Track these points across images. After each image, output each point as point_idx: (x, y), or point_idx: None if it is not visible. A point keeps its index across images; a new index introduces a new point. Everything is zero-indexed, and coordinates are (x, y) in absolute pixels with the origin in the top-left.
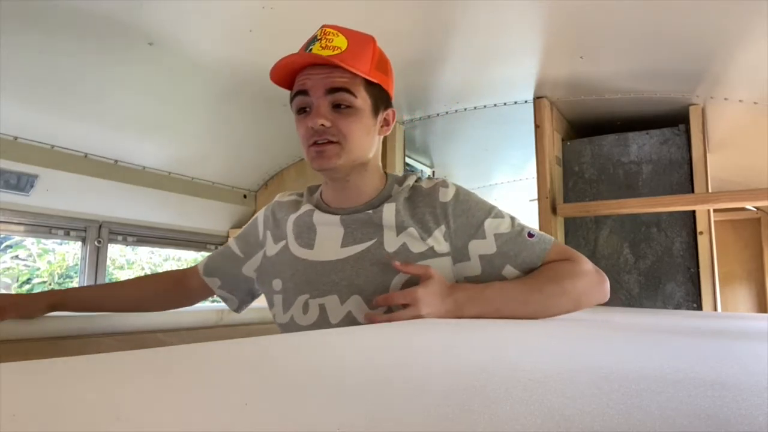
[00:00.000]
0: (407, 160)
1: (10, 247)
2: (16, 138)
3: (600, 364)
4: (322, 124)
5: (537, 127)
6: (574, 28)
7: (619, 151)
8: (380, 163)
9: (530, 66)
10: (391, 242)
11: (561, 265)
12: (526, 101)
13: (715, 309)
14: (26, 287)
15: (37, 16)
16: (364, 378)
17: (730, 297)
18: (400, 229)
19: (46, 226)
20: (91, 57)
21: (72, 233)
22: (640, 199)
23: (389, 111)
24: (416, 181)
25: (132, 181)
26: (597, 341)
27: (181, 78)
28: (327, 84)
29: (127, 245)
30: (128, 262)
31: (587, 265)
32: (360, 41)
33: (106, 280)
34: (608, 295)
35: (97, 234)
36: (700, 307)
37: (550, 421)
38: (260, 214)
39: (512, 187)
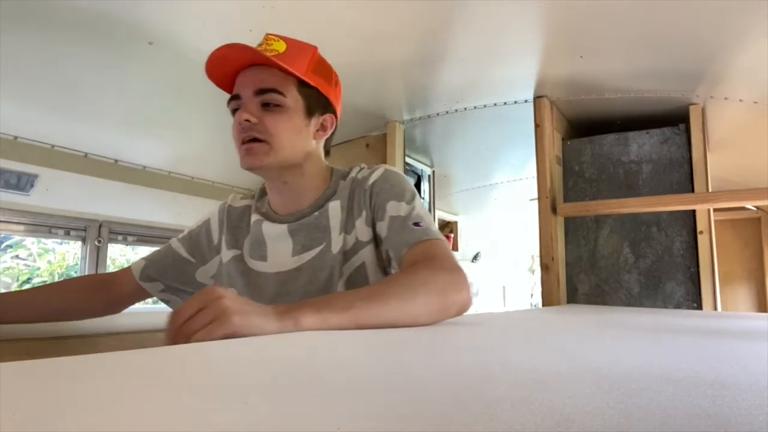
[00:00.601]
0: (407, 159)
1: (11, 246)
2: (16, 138)
3: (600, 363)
4: (247, 120)
5: (537, 126)
6: (574, 28)
7: (619, 150)
8: (323, 164)
9: (530, 65)
10: (337, 243)
11: (413, 271)
12: (526, 101)
13: (715, 308)
14: (26, 287)
15: (37, 16)
16: (363, 378)
17: (730, 296)
18: (342, 227)
19: (46, 225)
20: (91, 56)
21: (72, 233)
22: (640, 198)
23: (326, 116)
24: (359, 172)
25: (132, 181)
26: (597, 340)
27: (181, 77)
28: (256, 84)
29: (127, 245)
30: (128, 261)
31: (449, 274)
32: (299, 47)
33: None
34: (467, 307)
35: (97, 233)
36: (700, 307)
37: (550, 421)
38: (213, 217)
39: (512, 186)
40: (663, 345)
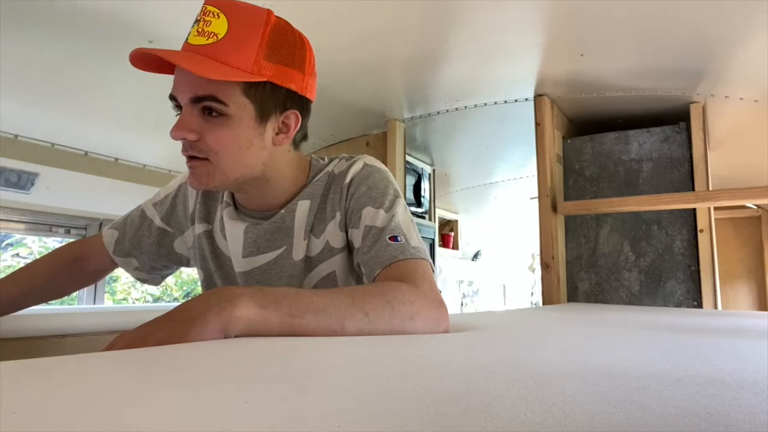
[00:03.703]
0: (407, 158)
1: (11, 245)
2: (16, 136)
3: (600, 362)
4: (185, 138)
5: (538, 125)
6: (574, 26)
7: (619, 148)
8: (295, 162)
9: (531, 64)
10: (299, 248)
11: (387, 285)
12: (526, 99)
13: (716, 307)
14: None
15: (37, 14)
16: (363, 377)
17: (730, 295)
18: (308, 230)
19: (47, 224)
20: (91, 55)
21: (72, 231)
22: (641, 197)
23: (288, 113)
24: (336, 164)
25: (132, 179)
26: (597, 339)
27: None
28: (191, 90)
29: None
30: None
31: (428, 311)
32: (245, 22)
33: (107, 278)
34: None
35: (97, 232)
36: (700, 305)
37: (550, 419)
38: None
39: (513, 185)
40: (663, 344)
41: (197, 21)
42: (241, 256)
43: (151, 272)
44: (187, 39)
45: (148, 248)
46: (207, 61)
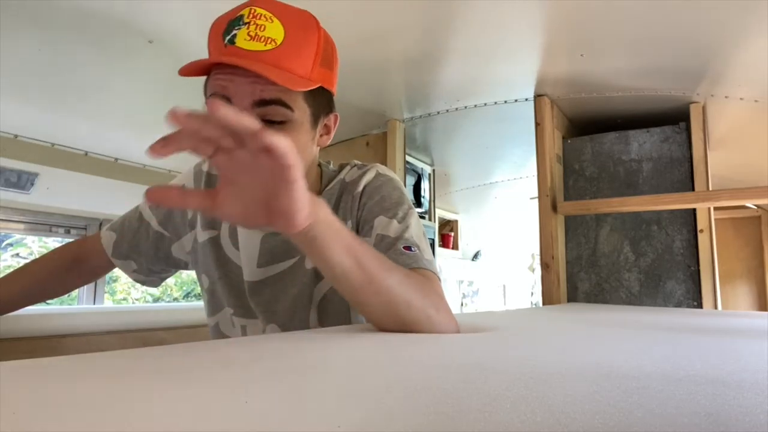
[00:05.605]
0: (407, 158)
1: (11, 245)
2: (16, 136)
3: (600, 362)
4: None
5: (537, 125)
6: (574, 26)
7: (619, 148)
8: (315, 168)
9: (531, 64)
10: None
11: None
12: (526, 99)
13: (716, 307)
14: None
15: (37, 14)
16: (363, 377)
17: (730, 295)
18: None
19: (47, 224)
20: (92, 55)
21: (72, 231)
22: (641, 197)
23: (331, 116)
24: (348, 172)
25: (132, 179)
26: (597, 339)
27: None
28: (255, 95)
29: None
30: None
31: (441, 316)
32: (300, 27)
33: (107, 279)
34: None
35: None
36: (700, 305)
37: (550, 419)
38: (187, 184)
39: (513, 185)
40: (663, 344)
41: (245, 24)
42: (256, 265)
43: (150, 275)
44: (232, 41)
45: (146, 251)
46: (271, 68)
